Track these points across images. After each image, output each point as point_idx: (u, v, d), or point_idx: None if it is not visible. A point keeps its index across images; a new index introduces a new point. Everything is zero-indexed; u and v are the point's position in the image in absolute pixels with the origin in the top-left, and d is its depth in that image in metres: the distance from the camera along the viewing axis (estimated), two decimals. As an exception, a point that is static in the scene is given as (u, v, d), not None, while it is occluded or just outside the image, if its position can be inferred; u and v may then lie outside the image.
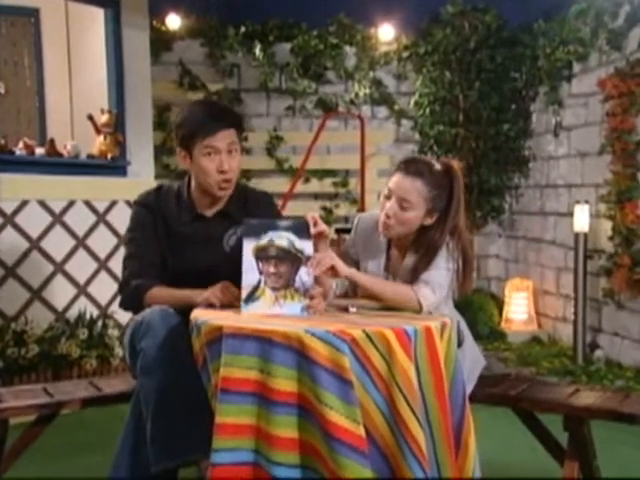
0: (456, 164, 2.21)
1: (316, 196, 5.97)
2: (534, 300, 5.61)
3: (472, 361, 2.35)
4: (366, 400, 1.80)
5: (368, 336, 1.79)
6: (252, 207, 2.38)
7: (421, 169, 2.16)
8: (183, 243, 2.31)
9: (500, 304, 5.72)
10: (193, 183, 2.34)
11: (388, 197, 2.19)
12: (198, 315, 2.00)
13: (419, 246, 2.20)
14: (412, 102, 5.95)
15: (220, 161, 2.24)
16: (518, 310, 5.57)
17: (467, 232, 2.22)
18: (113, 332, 3.97)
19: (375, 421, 1.80)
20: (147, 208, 2.35)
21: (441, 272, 2.15)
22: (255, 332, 1.81)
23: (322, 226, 2.10)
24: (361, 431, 1.74)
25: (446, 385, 1.90)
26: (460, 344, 2.27)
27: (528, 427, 2.51)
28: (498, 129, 5.75)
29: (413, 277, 2.16)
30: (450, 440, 1.88)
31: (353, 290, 2.38)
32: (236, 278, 2.22)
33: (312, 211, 2.20)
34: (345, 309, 2.12)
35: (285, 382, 1.77)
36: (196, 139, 2.23)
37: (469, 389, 2.30)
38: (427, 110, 5.86)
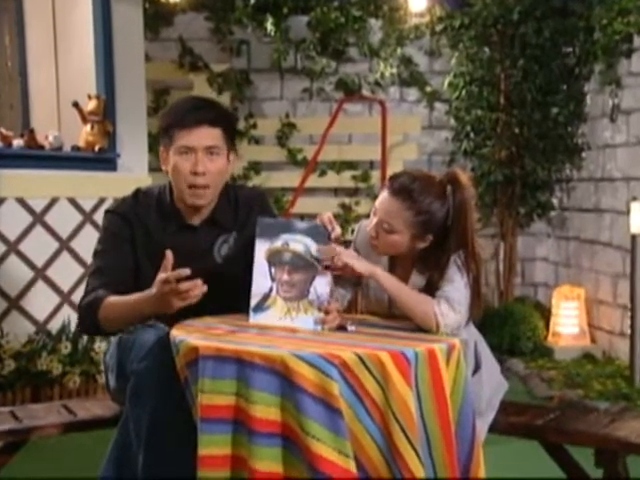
0: (463, 176, 2.22)
1: (336, 191, 6.01)
2: (586, 311, 5.58)
3: (492, 386, 2.38)
4: (359, 430, 1.84)
5: (361, 359, 1.83)
6: (244, 210, 2.42)
7: (408, 189, 2.17)
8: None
9: (547, 315, 5.70)
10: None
11: (375, 214, 2.24)
12: (176, 332, 2.05)
13: (425, 267, 2.24)
14: (446, 83, 5.95)
15: (194, 161, 2.25)
16: (567, 322, 5.54)
17: (480, 247, 2.23)
18: (100, 346, 4.04)
19: (369, 453, 1.84)
20: (123, 218, 2.35)
21: (459, 288, 2.17)
22: (235, 353, 1.86)
23: (337, 230, 2.17)
24: (351, 465, 1.78)
25: (452, 415, 1.93)
26: (477, 369, 2.30)
27: (557, 461, 2.52)
28: (545, 113, 5.72)
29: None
30: (455, 477, 1.91)
31: (355, 304, 2.43)
32: (230, 291, 2.27)
33: (327, 209, 2.26)
34: (343, 327, 2.16)
35: (267, 410, 1.81)
36: (172, 133, 2.26)
37: (490, 417, 2.34)
38: (463, 92, 5.86)
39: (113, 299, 2.20)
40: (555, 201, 6.02)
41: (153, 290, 2.04)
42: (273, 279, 2.16)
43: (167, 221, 2.37)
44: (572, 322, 5.54)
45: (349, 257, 2.16)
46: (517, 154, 5.77)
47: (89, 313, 2.23)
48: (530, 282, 6.26)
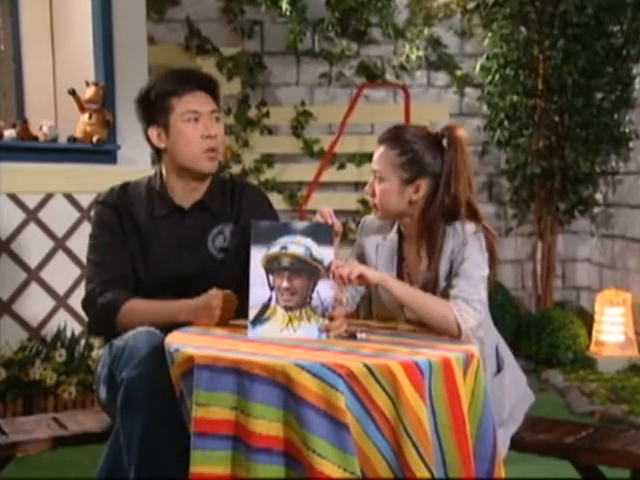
0: (459, 129, 2.31)
1: (356, 186, 6.02)
2: (633, 317, 5.54)
3: (516, 395, 2.40)
4: (367, 446, 1.85)
5: (369, 369, 1.84)
6: (238, 201, 2.50)
7: (390, 134, 2.34)
8: (156, 243, 2.43)
9: (589, 322, 5.68)
10: (167, 167, 2.46)
11: None
12: (171, 341, 2.08)
13: (430, 242, 2.30)
14: (478, 66, 5.93)
15: (205, 126, 2.38)
16: (612, 330, 5.50)
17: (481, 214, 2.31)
18: (98, 353, 4.09)
19: (378, 471, 1.86)
20: (112, 207, 2.46)
21: (476, 284, 2.21)
22: (233, 363, 1.88)
23: (337, 224, 2.22)
24: (358, 484, 1.80)
25: (470, 431, 1.94)
26: (499, 370, 2.34)
27: (589, 483, 2.53)
28: (588, 99, 5.68)
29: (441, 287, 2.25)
30: (474, 498, 1.93)
31: (368, 309, 2.46)
32: (228, 288, 2.30)
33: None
34: (352, 335, 2.18)
35: (268, 424, 1.83)
36: (172, 103, 2.36)
37: (512, 430, 2.37)
38: (497, 76, 5.83)
39: (136, 303, 2.33)
40: (599, 196, 5.99)
41: (199, 299, 2.25)
42: (272, 287, 2.16)
43: (156, 205, 2.46)
44: (617, 330, 5.51)
45: (358, 267, 2.19)
46: (557, 144, 5.74)
47: (106, 315, 2.34)
48: (571, 285, 6.24)
